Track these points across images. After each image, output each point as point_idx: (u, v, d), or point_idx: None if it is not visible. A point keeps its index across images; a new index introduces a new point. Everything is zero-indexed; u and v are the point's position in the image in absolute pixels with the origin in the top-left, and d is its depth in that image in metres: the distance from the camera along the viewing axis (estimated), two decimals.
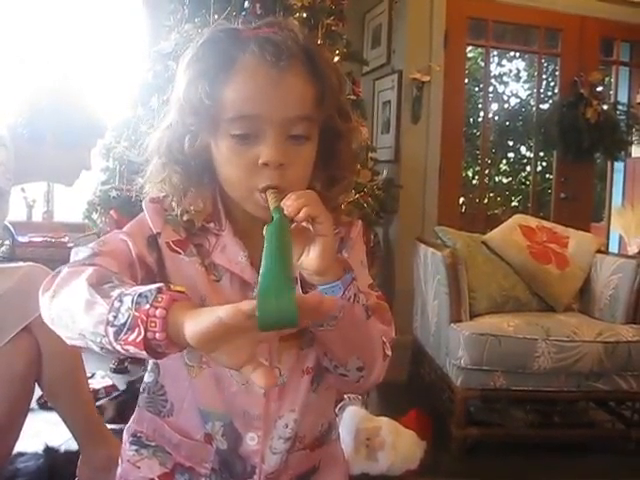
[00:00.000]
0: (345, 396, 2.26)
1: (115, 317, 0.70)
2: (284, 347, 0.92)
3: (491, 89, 6.61)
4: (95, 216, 2.84)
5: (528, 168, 6.67)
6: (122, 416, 2.21)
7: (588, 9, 4.18)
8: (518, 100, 7.25)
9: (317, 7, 2.93)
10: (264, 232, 0.73)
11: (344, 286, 0.81)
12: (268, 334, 0.66)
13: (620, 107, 4.38)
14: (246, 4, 2.85)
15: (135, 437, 1.01)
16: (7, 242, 3.45)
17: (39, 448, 1.97)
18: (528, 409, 2.62)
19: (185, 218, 0.91)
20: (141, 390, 1.02)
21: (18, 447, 1.82)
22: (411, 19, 3.87)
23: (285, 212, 0.77)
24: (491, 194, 6.78)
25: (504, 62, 7.14)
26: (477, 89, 6.42)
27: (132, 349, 0.69)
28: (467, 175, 6.69)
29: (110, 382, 2.74)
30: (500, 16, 4.17)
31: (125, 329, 0.68)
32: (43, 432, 2.01)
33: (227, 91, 0.84)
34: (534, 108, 4.76)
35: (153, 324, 0.67)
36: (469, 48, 5.11)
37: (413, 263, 3.08)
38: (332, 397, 1.06)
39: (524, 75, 7.31)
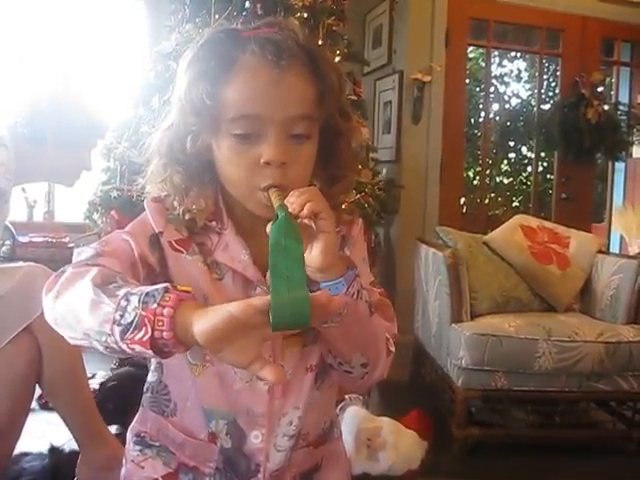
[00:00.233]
0: (346, 396, 2.25)
1: (122, 316, 0.70)
2: (287, 345, 0.92)
3: (492, 89, 6.61)
4: (96, 216, 2.84)
5: (529, 168, 6.67)
6: None
7: (589, 9, 4.18)
8: (519, 100, 7.26)
9: (318, 7, 2.92)
10: (268, 230, 0.73)
11: (347, 283, 0.81)
12: (275, 332, 0.67)
13: (621, 107, 4.39)
14: (247, 4, 2.85)
15: (139, 437, 1.01)
16: (8, 242, 3.46)
17: (43, 449, 1.97)
18: (529, 409, 2.62)
19: (187, 217, 0.91)
20: (144, 390, 1.02)
21: (22, 447, 1.83)
22: (412, 19, 3.87)
23: (289, 209, 0.77)
24: (492, 194, 6.78)
25: (505, 62, 7.15)
26: (478, 89, 6.42)
27: (138, 348, 0.69)
28: (468, 175, 6.70)
29: None
30: (501, 16, 4.18)
31: (132, 328, 0.69)
32: (47, 433, 2.01)
33: (228, 91, 0.85)
34: (535, 108, 4.77)
35: (160, 323, 0.67)
36: (470, 48, 5.11)
37: (414, 263, 3.08)
38: (334, 395, 1.07)
39: (525, 75, 7.32)
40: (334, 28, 3.01)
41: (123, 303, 0.70)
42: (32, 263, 1.75)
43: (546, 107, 4.75)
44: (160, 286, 0.70)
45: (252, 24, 0.90)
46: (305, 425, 0.97)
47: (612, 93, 4.64)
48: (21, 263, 1.81)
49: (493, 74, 6.41)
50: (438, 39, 3.91)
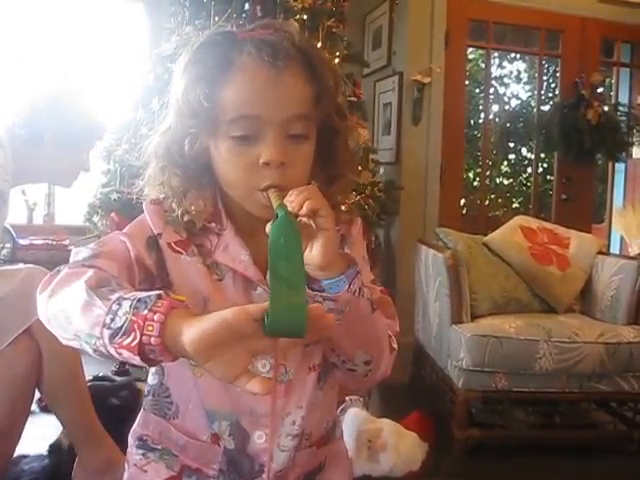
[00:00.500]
0: (347, 398, 2.25)
1: (112, 320, 0.69)
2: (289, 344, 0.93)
3: (492, 90, 6.61)
4: (96, 219, 2.84)
5: (529, 169, 6.67)
6: None
7: (588, 10, 4.18)
8: (519, 101, 7.25)
9: (318, 9, 2.93)
10: (267, 230, 0.73)
11: (349, 280, 0.81)
12: (265, 345, 0.67)
13: (621, 108, 4.38)
14: (246, 6, 2.86)
15: (141, 441, 1.00)
16: (8, 245, 3.45)
17: (43, 451, 1.97)
18: (530, 410, 2.62)
19: (186, 219, 0.91)
20: (145, 393, 1.02)
21: (22, 450, 1.82)
22: (412, 21, 3.87)
23: (289, 208, 0.77)
24: (492, 195, 6.78)
25: (505, 63, 7.15)
26: (478, 90, 6.42)
27: (126, 354, 0.68)
28: (468, 177, 6.69)
29: None
30: (501, 17, 4.18)
31: (121, 333, 0.68)
32: (46, 436, 2.01)
33: (225, 93, 0.85)
34: (535, 109, 4.77)
35: (150, 328, 0.66)
36: (470, 49, 5.10)
37: (414, 265, 3.08)
38: (336, 395, 1.06)
39: (525, 76, 7.32)
40: (334, 30, 3.01)
41: (115, 307, 0.70)
42: (32, 265, 1.75)
43: (546, 108, 4.75)
44: (153, 293, 0.69)
45: (247, 26, 0.90)
46: (308, 425, 0.97)
47: (612, 94, 4.65)
48: (21, 265, 1.81)
49: (493, 75, 6.41)
50: (438, 40, 3.91)
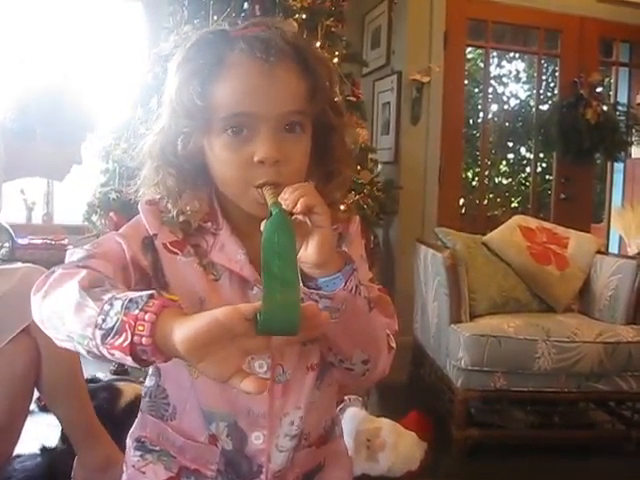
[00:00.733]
0: (345, 397, 2.25)
1: (104, 320, 0.69)
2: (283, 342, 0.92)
3: (491, 90, 6.61)
4: (95, 218, 2.85)
5: (528, 169, 6.66)
6: None
7: (587, 10, 4.18)
8: (518, 101, 7.24)
9: (317, 8, 2.93)
10: (262, 228, 0.73)
11: (345, 277, 0.81)
12: (258, 344, 0.66)
13: (620, 108, 4.39)
14: (245, 5, 2.86)
15: (139, 442, 1.00)
16: (7, 244, 3.45)
17: (37, 449, 1.97)
18: (528, 410, 2.62)
19: (181, 219, 0.91)
20: (142, 395, 1.02)
21: (20, 449, 1.82)
22: (411, 20, 3.87)
23: (283, 206, 0.76)
24: (491, 195, 6.77)
25: (504, 63, 7.14)
26: (477, 90, 6.42)
27: (118, 354, 0.68)
28: (467, 176, 6.69)
29: None
30: (499, 17, 4.18)
31: (113, 333, 0.67)
32: (44, 436, 2.00)
33: (219, 90, 0.85)
34: (534, 109, 4.76)
35: (141, 328, 0.66)
36: (469, 49, 5.11)
37: (413, 264, 3.08)
38: (334, 393, 1.06)
39: (524, 76, 7.31)
40: (333, 29, 3.02)
41: (106, 307, 0.69)
42: (30, 264, 1.75)
43: (545, 108, 4.74)
44: (145, 293, 0.69)
45: (240, 24, 0.90)
46: (307, 425, 0.97)
47: (611, 93, 4.65)
48: (20, 264, 1.81)
49: (492, 75, 6.40)
50: (437, 40, 3.91)
